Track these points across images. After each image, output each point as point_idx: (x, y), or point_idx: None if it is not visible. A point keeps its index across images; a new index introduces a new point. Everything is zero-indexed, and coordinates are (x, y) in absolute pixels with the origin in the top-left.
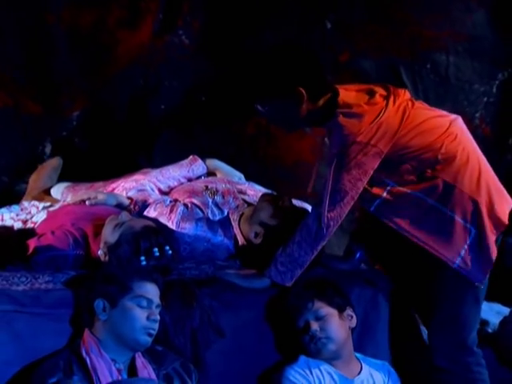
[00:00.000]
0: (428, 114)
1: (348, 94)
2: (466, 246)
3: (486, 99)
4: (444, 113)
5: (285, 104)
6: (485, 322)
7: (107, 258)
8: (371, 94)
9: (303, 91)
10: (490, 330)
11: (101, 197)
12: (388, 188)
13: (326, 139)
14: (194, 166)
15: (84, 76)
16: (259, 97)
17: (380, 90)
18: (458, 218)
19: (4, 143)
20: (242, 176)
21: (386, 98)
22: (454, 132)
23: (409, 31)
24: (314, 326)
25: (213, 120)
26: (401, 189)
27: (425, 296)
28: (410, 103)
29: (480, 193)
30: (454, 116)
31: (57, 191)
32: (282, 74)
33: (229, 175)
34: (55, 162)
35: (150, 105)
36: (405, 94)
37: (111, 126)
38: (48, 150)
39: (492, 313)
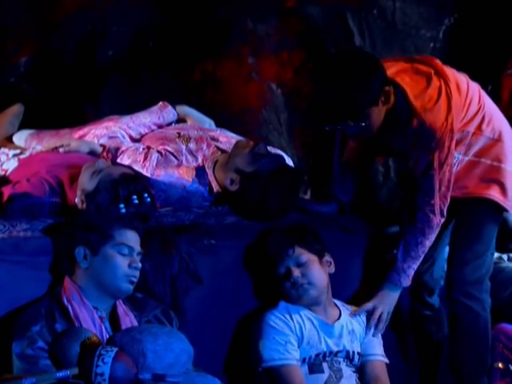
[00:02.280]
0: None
1: (405, 81)
2: None
3: (432, 45)
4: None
5: (375, 110)
6: None
7: (84, 205)
8: (423, 75)
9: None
10: None
11: (74, 144)
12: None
13: (272, 85)
14: (164, 112)
15: (31, 21)
16: (360, 111)
17: (424, 68)
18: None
19: None
20: (212, 122)
21: (439, 76)
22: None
23: None
24: (296, 272)
25: (160, 66)
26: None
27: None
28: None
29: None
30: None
31: (19, 138)
32: (372, 80)
33: (199, 122)
34: (17, 109)
35: (97, 50)
36: (439, 63)
37: (59, 72)
38: None
39: None
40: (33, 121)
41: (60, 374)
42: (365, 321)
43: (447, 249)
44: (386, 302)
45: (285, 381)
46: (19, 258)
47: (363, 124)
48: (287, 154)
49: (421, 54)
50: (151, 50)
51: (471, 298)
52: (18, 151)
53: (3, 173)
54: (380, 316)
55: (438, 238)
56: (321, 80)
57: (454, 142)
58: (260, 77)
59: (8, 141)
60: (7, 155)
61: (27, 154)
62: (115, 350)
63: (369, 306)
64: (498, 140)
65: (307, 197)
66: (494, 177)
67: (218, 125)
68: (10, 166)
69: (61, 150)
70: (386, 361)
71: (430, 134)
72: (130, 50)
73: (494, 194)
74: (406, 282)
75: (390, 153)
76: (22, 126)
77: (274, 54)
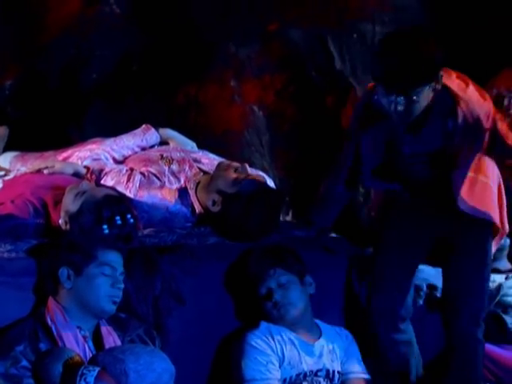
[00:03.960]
0: None
1: None
2: None
3: None
4: None
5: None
6: (433, 287)
7: (68, 226)
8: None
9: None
10: (438, 295)
11: (58, 166)
12: None
13: (254, 107)
14: (147, 135)
15: (16, 45)
16: (424, 80)
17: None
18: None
19: None
20: (195, 145)
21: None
22: None
23: (336, 1)
24: (277, 292)
25: (143, 90)
26: None
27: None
28: None
29: None
30: None
31: (4, 160)
32: (437, 55)
33: (182, 144)
34: (1, 132)
35: (81, 74)
36: None
37: (44, 95)
38: None
39: (440, 277)
40: (18, 143)
41: None
42: (345, 340)
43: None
44: None
45: None
46: (3, 278)
47: (415, 98)
48: (269, 175)
49: None
50: (135, 73)
51: (479, 326)
52: (2, 173)
53: None
54: None
55: (412, 271)
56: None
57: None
58: (242, 100)
59: None
60: None
61: (12, 175)
62: (97, 369)
63: None
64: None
65: (289, 218)
66: (488, 195)
67: (201, 147)
68: None
69: (45, 171)
70: (367, 377)
71: (480, 112)
72: (114, 74)
73: (495, 215)
74: None
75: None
76: (7, 148)
77: (256, 78)
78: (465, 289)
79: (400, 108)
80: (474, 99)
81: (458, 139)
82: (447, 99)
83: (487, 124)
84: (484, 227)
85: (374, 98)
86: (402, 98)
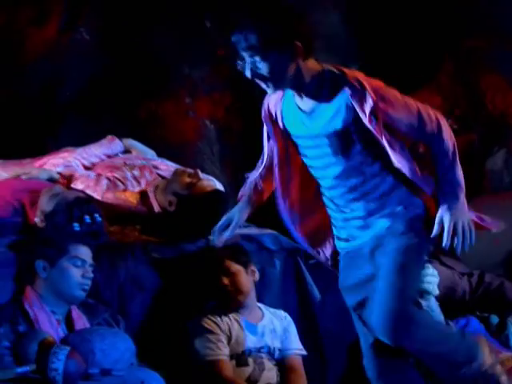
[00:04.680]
0: None
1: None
2: None
3: None
4: None
5: (281, 57)
6: None
7: (43, 224)
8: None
9: (300, 46)
10: None
11: (35, 172)
12: None
13: (206, 121)
14: (112, 144)
15: None
16: (264, 45)
17: None
18: None
19: None
20: (154, 153)
21: None
22: None
23: None
24: (225, 281)
25: (110, 105)
26: None
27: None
28: None
29: None
30: None
31: None
32: (288, 23)
33: (143, 153)
34: None
35: (57, 92)
36: None
37: (24, 111)
38: None
39: None
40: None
41: (20, 370)
42: (284, 320)
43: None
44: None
45: (217, 373)
46: None
47: (258, 59)
48: (219, 180)
49: None
50: (103, 91)
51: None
52: None
53: None
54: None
55: None
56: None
57: None
58: (196, 114)
59: None
60: None
61: None
62: (68, 348)
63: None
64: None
65: None
66: None
67: (160, 155)
68: None
69: (23, 177)
70: (303, 353)
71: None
72: (85, 92)
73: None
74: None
75: None
76: None
77: (207, 95)
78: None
79: (248, 72)
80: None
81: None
82: (339, 80)
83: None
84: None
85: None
86: (248, 60)
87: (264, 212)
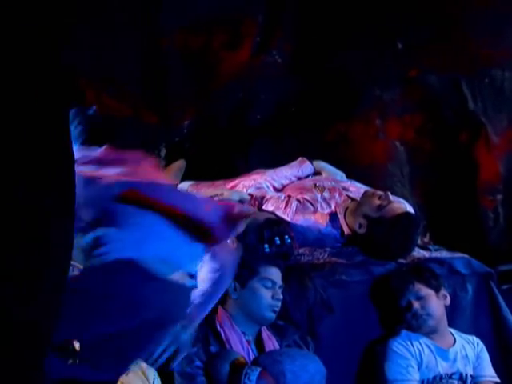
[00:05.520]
0: None
1: None
2: None
3: None
4: None
5: None
6: None
7: (235, 245)
8: None
9: None
10: None
11: (226, 193)
12: None
13: (396, 143)
14: (303, 166)
15: (193, 90)
16: None
17: None
18: None
19: (125, 148)
20: (344, 175)
21: None
22: None
23: (469, 51)
24: (416, 304)
25: (300, 128)
26: None
27: None
28: None
29: None
30: None
31: (181, 188)
32: None
33: (333, 174)
34: (180, 164)
35: (247, 115)
36: None
37: (215, 133)
38: (163, 153)
39: None
40: (193, 174)
41: None
42: (476, 347)
43: None
44: None
45: None
46: None
47: None
48: (409, 202)
49: None
50: (293, 114)
51: None
52: None
53: None
54: None
55: None
56: None
57: None
58: (386, 136)
59: None
60: None
61: None
62: (259, 369)
63: None
64: None
65: (426, 239)
66: None
67: (349, 177)
68: None
69: (216, 198)
70: (497, 380)
71: None
72: (275, 114)
73: None
74: None
75: None
76: (184, 178)
77: (398, 117)
78: None
79: None
80: None
81: None
82: None
83: None
84: None
85: None
86: None
87: (455, 235)
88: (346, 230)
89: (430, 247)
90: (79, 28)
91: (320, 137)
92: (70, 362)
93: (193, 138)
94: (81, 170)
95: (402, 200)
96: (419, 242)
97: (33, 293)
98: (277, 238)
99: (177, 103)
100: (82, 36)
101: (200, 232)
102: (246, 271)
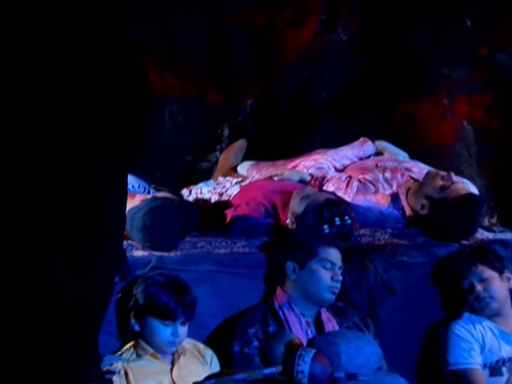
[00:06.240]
0: None
1: None
2: None
3: None
4: None
5: None
6: None
7: (294, 226)
8: None
9: None
10: None
11: (287, 173)
12: None
13: (464, 123)
14: (364, 146)
15: (256, 69)
16: None
17: None
18: None
19: (189, 127)
20: (407, 155)
21: None
22: None
23: None
24: (478, 287)
25: (365, 107)
26: None
27: None
28: None
29: None
30: None
31: (242, 168)
32: None
33: (395, 154)
34: (241, 144)
35: (311, 94)
36: None
37: (279, 113)
38: (226, 133)
39: None
40: (254, 153)
41: (267, 371)
42: None
43: None
44: None
45: (468, 382)
46: (238, 270)
47: None
48: (476, 183)
49: None
50: (358, 93)
51: None
52: (239, 179)
53: (227, 198)
54: None
55: None
56: None
57: None
58: (453, 115)
59: (233, 170)
60: (231, 183)
61: (247, 181)
62: (314, 351)
63: None
64: None
65: (494, 220)
66: None
67: (415, 157)
68: (233, 191)
69: (275, 178)
70: None
71: None
72: (340, 93)
73: None
74: None
75: None
76: (245, 157)
77: (466, 96)
78: None
79: None
80: None
81: None
82: None
83: None
84: None
85: None
86: None
87: None
88: (408, 211)
89: (495, 228)
90: (144, 6)
91: (386, 116)
92: None
93: (256, 118)
94: None
95: (465, 181)
96: (486, 223)
97: (85, 270)
98: (337, 219)
99: (240, 82)
100: (146, 14)
101: None
102: (305, 252)
